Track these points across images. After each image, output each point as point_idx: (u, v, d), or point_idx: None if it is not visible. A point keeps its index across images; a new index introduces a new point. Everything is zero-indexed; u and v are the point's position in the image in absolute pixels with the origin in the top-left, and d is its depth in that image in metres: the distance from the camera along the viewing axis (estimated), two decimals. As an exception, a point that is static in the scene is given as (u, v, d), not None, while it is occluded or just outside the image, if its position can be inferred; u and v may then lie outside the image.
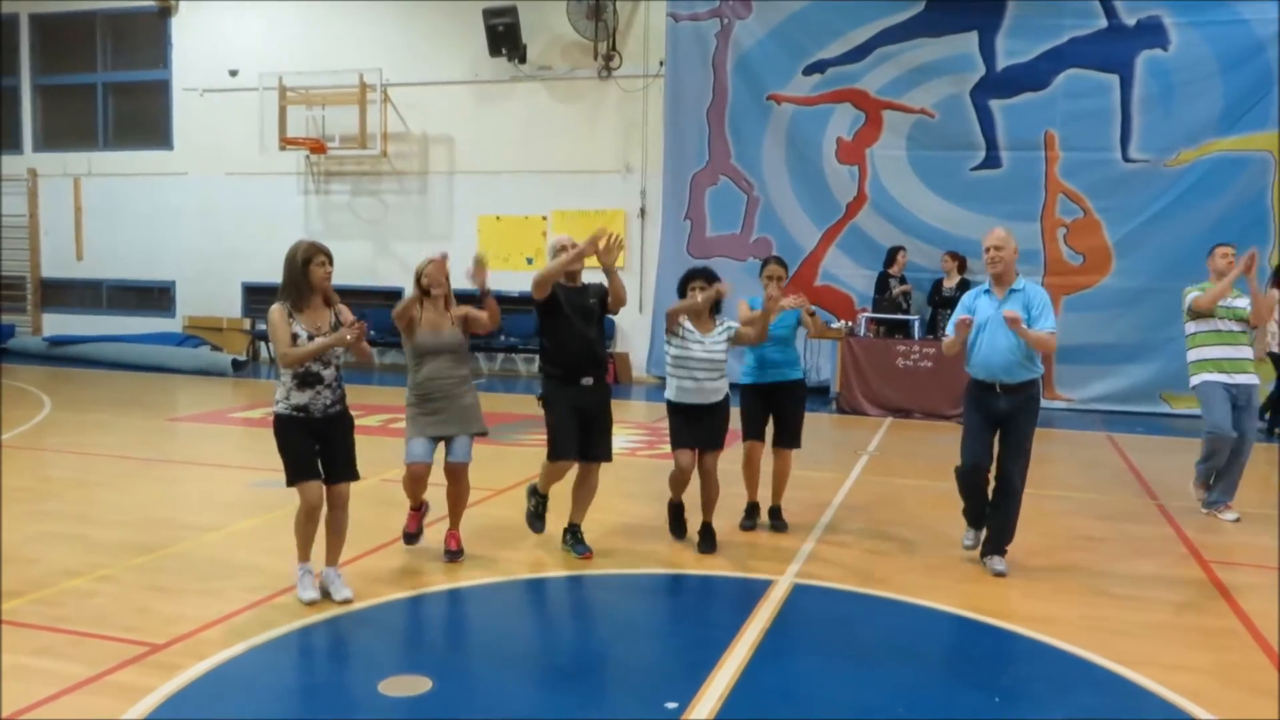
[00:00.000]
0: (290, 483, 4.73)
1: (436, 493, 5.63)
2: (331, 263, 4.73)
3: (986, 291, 5.51)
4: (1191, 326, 6.90)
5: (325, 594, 4.75)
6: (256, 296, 16.00)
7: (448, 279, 5.35)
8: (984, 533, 5.56)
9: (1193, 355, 6.93)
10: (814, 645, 4.39)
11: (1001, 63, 12.32)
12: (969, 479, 5.46)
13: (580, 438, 5.51)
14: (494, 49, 13.94)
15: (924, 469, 8.38)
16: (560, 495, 5.77)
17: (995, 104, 12.39)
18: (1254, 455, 7.85)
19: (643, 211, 14.08)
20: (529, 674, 4.05)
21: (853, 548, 5.94)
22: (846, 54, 12.82)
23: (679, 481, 5.90)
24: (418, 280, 5.32)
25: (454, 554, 5.54)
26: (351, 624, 4.49)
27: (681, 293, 5.94)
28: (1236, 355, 6.77)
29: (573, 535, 5.73)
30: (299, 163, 15.48)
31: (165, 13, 16.01)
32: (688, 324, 5.80)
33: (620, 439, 8.59)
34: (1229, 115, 11.65)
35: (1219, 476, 6.91)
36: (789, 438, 6.32)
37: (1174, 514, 6.91)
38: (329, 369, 4.72)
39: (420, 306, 5.30)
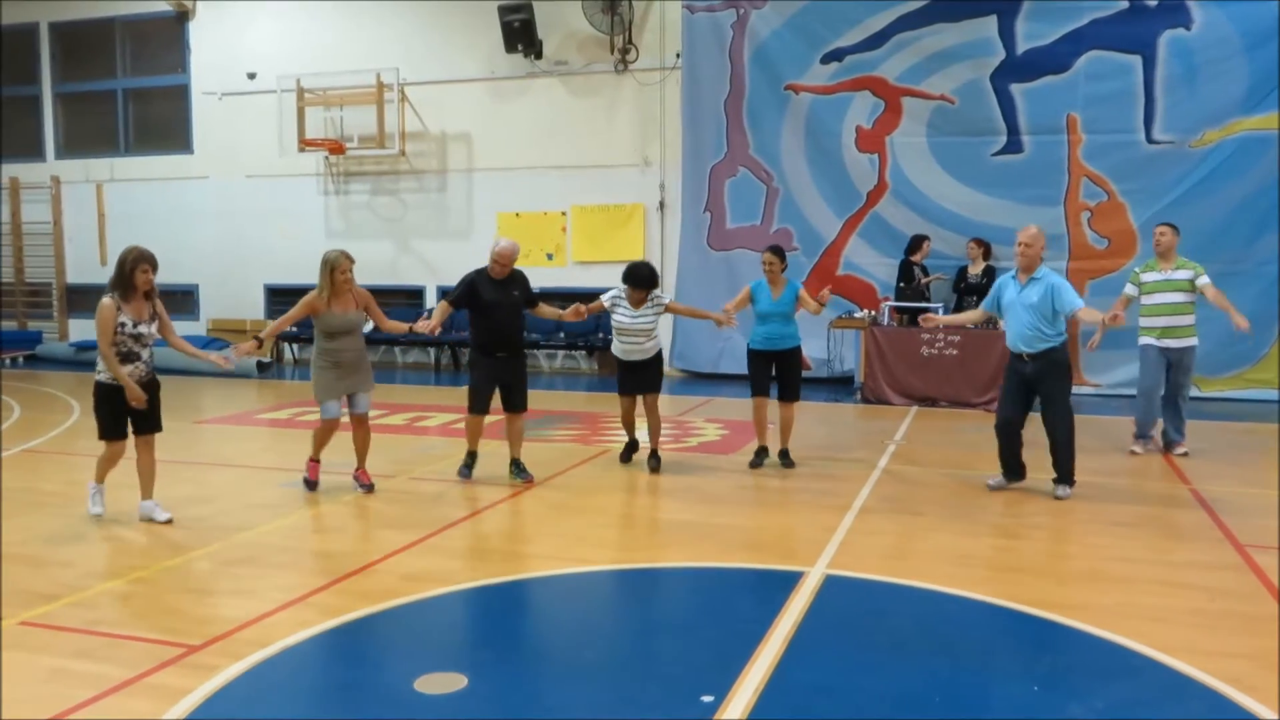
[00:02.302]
0: (102, 437, 6.02)
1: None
2: (155, 270, 6.04)
3: (1013, 279, 6.84)
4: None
5: (149, 520, 6.08)
6: (279, 298, 16.08)
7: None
8: (1016, 481, 6.99)
9: (1141, 323, 8.36)
10: (848, 637, 4.36)
11: (1021, 46, 12.21)
12: (1003, 432, 6.82)
13: (502, 396, 7.16)
14: (510, 45, 13.94)
15: (952, 457, 8.33)
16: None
17: (1016, 88, 12.28)
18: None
19: (662, 204, 14.05)
20: (563, 669, 4.05)
21: (884, 538, 5.90)
22: (864, 41, 12.74)
23: (627, 421, 7.72)
24: (330, 271, 6.64)
25: (368, 487, 6.88)
26: (386, 622, 4.50)
27: (628, 283, 7.37)
28: (1175, 323, 8.16)
29: (516, 466, 7.30)
30: (318, 164, 15.55)
31: (183, 17, 16.11)
32: (623, 303, 7.41)
33: (643, 433, 8.58)
34: (1254, 94, 11.50)
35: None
36: (791, 393, 7.85)
37: (1208, 499, 6.83)
38: (146, 350, 6.06)
39: (330, 296, 6.69)
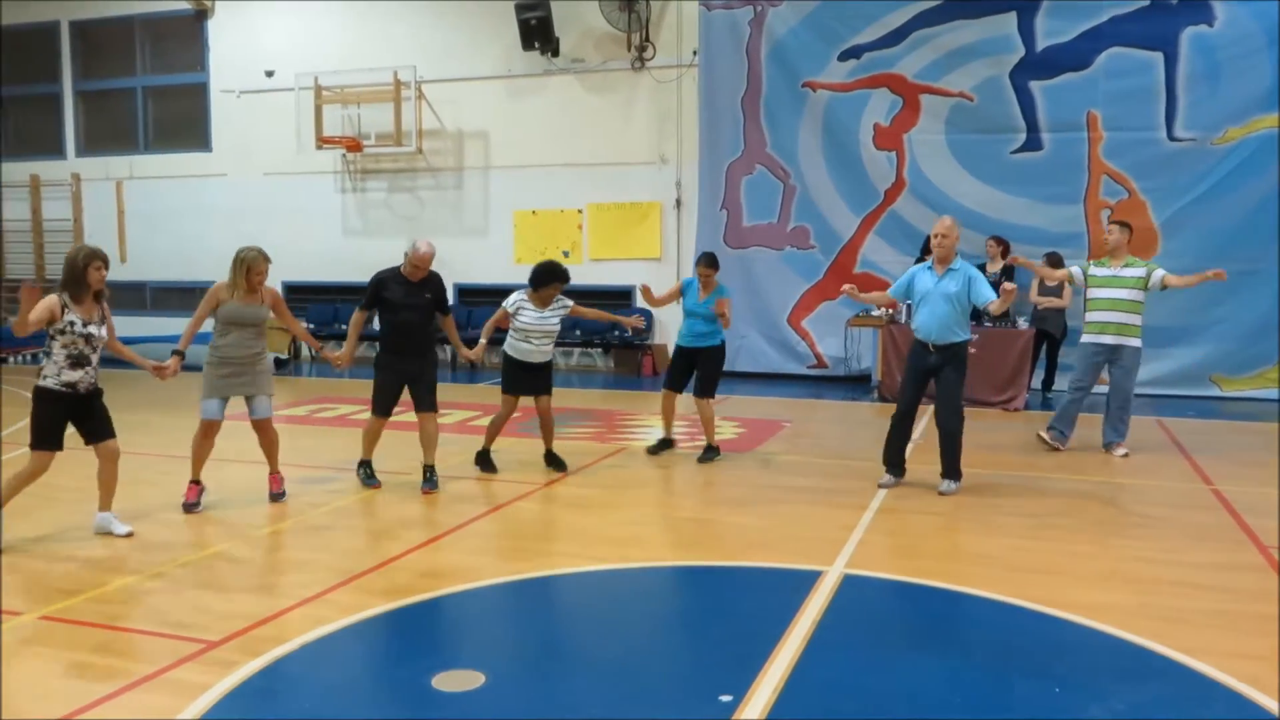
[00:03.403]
0: (35, 447, 5.53)
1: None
2: (107, 266, 5.76)
3: (928, 269, 6.90)
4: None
5: (106, 533, 5.74)
6: (296, 295, 16.14)
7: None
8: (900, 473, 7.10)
9: (1086, 318, 8.35)
10: (867, 636, 4.34)
11: (1041, 43, 12.13)
12: (902, 423, 6.90)
13: (412, 396, 6.92)
14: (527, 43, 13.94)
15: (969, 456, 8.25)
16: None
17: (1035, 85, 12.20)
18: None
19: (678, 202, 14.03)
20: (581, 667, 4.04)
21: (902, 537, 5.88)
22: (882, 39, 12.68)
23: (501, 424, 7.55)
24: (246, 271, 6.24)
25: (278, 495, 6.59)
26: (403, 619, 4.51)
27: (543, 284, 7.28)
28: (1121, 320, 8.07)
29: (427, 472, 6.99)
30: (335, 161, 15.60)
31: (201, 16, 16.19)
32: (528, 305, 7.35)
33: (661, 431, 8.57)
34: (1278, 91, 11.38)
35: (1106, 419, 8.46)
36: (707, 389, 7.94)
37: (1229, 498, 6.77)
38: (95, 354, 5.65)
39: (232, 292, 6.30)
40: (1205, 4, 11.56)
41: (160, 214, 16.70)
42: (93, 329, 5.59)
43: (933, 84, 12.59)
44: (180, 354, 6.33)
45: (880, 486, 6.96)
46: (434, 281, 6.98)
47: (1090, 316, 8.29)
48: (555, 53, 14.15)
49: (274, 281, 16.61)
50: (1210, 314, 11.56)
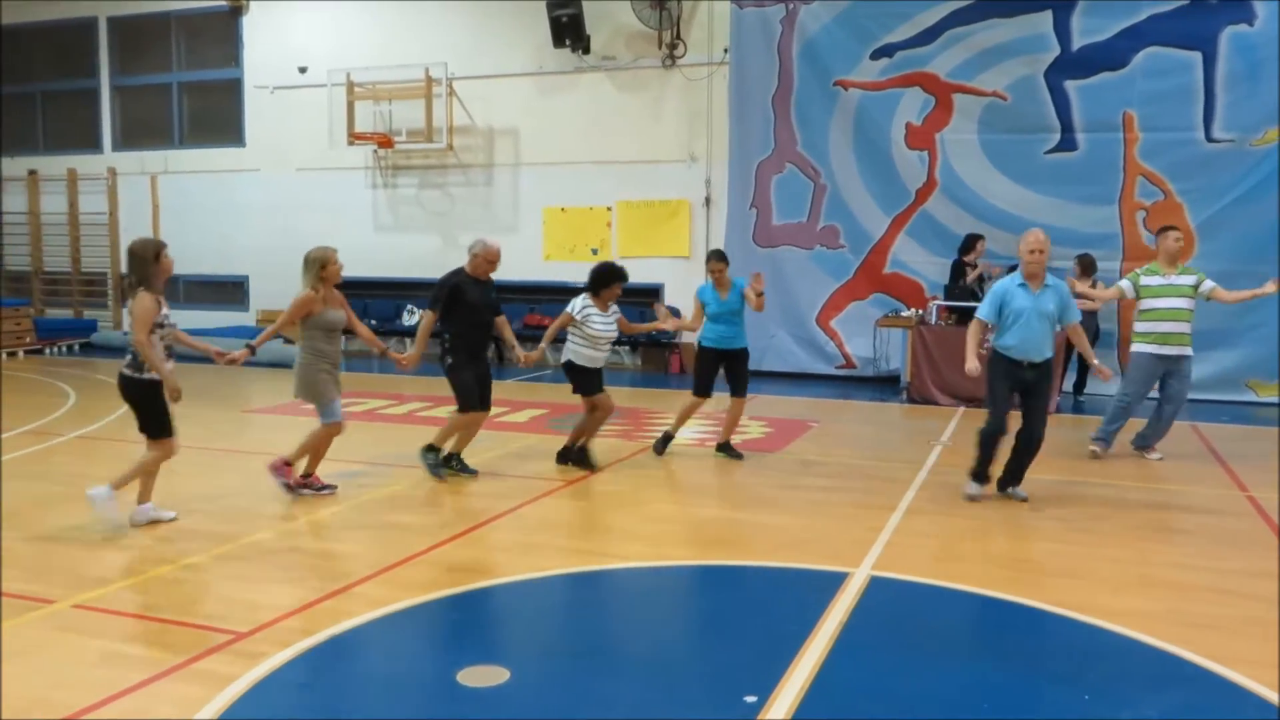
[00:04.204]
0: (162, 437, 5.77)
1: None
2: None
3: (1021, 285, 6.52)
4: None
5: (156, 521, 5.85)
6: (327, 290, 16.27)
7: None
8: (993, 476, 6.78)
9: (1136, 328, 8.06)
10: (893, 639, 4.31)
11: (1077, 42, 11.98)
12: (998, 439, 6.60)
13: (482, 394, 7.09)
14: (558, 40, 13.96)
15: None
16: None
17: (1070, 85, 12.06)
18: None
19: (708, 201, 14.00)
20: (605, 664, 4.05)
21: (930, 540, 5.83)
22: (915, 37, 12.58)
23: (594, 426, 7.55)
24: (321, 266, 6.39)
25: (331, 488, 6.68)
26: (429, 614, 4.53)
27: (605, 285, 7.36)
28: (1177, 330, 7.81)
29: (459, 460, 7.21)
30: (367, 157, 15.70)
31: (237, 12, 16.32)
32: (595, 311, 7.34)
33: (688, 430, 8.58)
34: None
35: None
36: (744, 388, 7.91)
37: (1264, 505, 6.67)
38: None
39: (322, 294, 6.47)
40: (1246, 2, 11.37)
41: (194, 208, 16.86)
42: (173, 319, 5.85)
43: (966, 83, 12.47)
44: (252, 349, 6.49)
45: (968, 496, 6.70)
46: (491, 281, 7.17)
47: (1147, 326, 7.96)
48: (586, 50, 14.15)
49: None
50: (1246, 319, 11.36)
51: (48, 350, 15.81)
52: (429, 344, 7.18)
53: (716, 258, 7.83)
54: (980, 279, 11.97)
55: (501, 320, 7.28)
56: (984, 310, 6.62)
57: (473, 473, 7.18)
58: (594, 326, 7.29)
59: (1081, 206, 12.12)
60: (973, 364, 6.57)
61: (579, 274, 14.29)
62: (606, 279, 7.33)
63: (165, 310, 5.66)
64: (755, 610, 4.77)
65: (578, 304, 7.34)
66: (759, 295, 7.65)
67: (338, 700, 3.69)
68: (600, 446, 8.31)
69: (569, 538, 5.93)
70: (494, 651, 4.13)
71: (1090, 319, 11.51)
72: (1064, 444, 9.08)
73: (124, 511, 5.79)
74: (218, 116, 16.90)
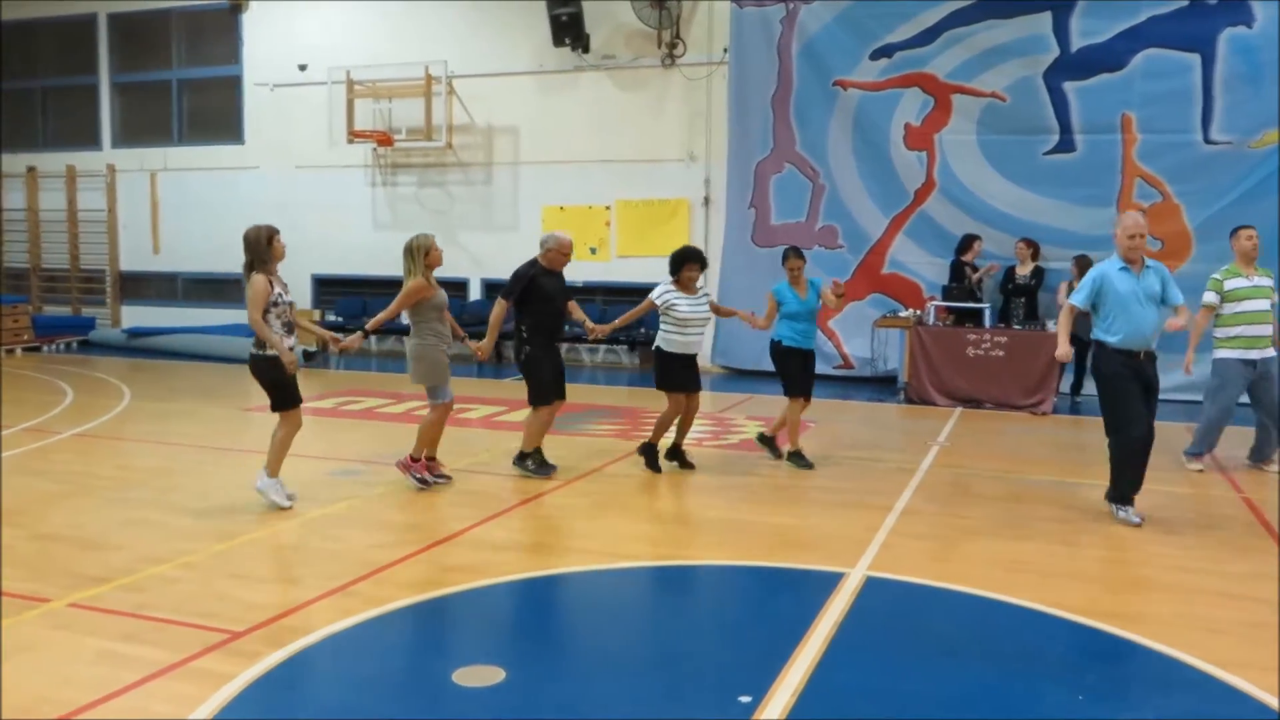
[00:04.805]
0: (288, 408, 6.15)
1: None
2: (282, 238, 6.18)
3: (1123, 269, 6.05)
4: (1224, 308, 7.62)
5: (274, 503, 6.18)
6: (326, 288, 16.27)
7: None
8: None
9: (1219, 333, 7.67)
10: (889, 640, 4.31)
11: (1076, 43, 11.98)
12: (1146, 447, 5.99)
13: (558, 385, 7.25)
14: (558, 39, 13.95)
15: (998, 460, 8.21)
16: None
17: (1069, 86, 12.05)
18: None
19: (707, 200, 14.00)
20: (601, 664, 4.05)
21: (926, 540, 5.83)
22: (915, 37, 12.58)
23: (671, 420, 7.45)
24: (425, 253, 6.62)
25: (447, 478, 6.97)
26: (426, 613, 4.53)
27: (680, 267, 7.33)
28: (1262, 333, 7.47)
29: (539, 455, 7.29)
30: (366, 155, 15.69)
31: (236, 9, 16.31)
32: (678, 295, 7.30)
33: (692, 431, 8.56)
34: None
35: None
36: (809, 390, 7.88)
37: (1263, 509, 6.67)
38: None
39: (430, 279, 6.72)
40: (1245, 4, 11.38)
41: (193, 206, 16.86)
42: (290, 298, 6.18)
43: (965, 84, 12.47)
44: (366, 333, 6.87)
45: (1134, 523, 6.08)
46: (562, 273, 7.37)
47: (1232, 331, 7.58)
48: (586, 49, 14.15)
49: (303, 274, 16.83)
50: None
51: (45, 348, 15.80)
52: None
53: (795, 254, 7.76)
54: (979, 282, 11.99)
55: (572, 304, 7.47)
56: (1077, 296, 6.20)
57: (552, 468, 7.29)
58: (680, 310, 7.27)
59: (1080, 208, 12.12)
60: (1065, 350, 6.29)
61: (577, 273, 14.34)
62: (680, 261, 7.35)
63: (278, 290, 6.03)
64: (751, 610, 4.77)
65: (658, 290, 7.39)
66: (839, 297, 7.79)
67: (332, 700, 3.69)
68: (598, 446, 8.32)
69: (564, 537, 5.93)
70: (490, 651, 4.13)
71: (1086, 320, 11.49)
72: (1060, 443, 9.10)
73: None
74: (217, 114, 16.89)
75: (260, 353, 6.05)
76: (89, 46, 17.49)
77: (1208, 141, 11.65)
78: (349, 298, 15.89)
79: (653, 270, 13.81)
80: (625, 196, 14.38)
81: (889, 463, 7.91)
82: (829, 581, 4.99)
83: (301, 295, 16.34)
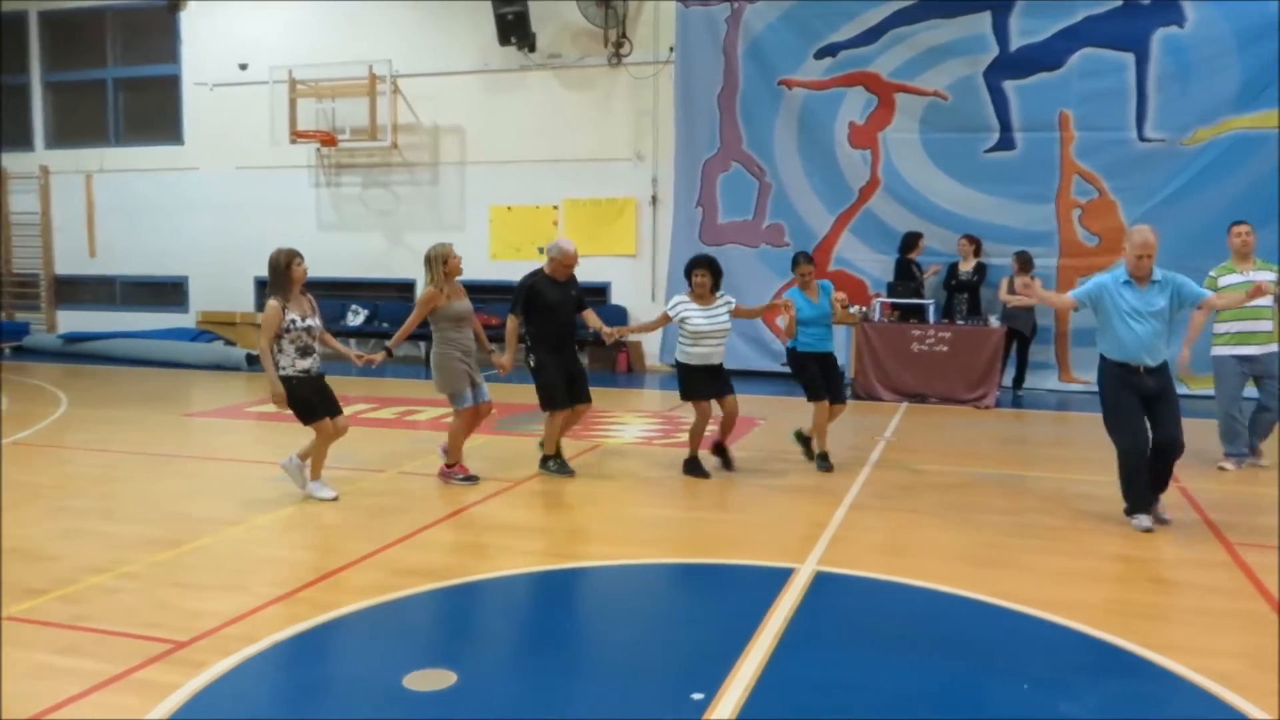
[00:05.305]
0: (308, 422, 6.40)
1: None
2: (305, 262, 6.43)
3: (1127, 283, 5.99)
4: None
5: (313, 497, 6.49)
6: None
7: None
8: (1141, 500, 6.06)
9: (1215, 329, 7.65)
10: (839, 633, 4.36)
11: (1015, 43, 12.20)
12: (1139, 459, 5.93)
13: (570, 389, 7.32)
14: (504, 38, 13.89)
15: (943, 454, 8.34)
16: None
17: (1009, 85, 12.27)
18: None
19: (654, 199, 14.03)
20: (553, 665, 4.04)
21: (875, 534, 5.90)
22: (858, 36, 12.71)
23: (703, 429, 7.34)
24: (443, 262, 6.76)
25: (473, 478, 7.06)
26: (376, 618, 4.48)
27: (687, 277, 7.27)
28: (1256, 329, 7.45)
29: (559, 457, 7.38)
30: (309, 156, 15.48)
31: (174, 7, 16.00)
32: (691, 306, 7.17)
33: (635, 428, 8.59)
34: (1246, 92, 11.49)
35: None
36: (843, 393, 7.87)
37: (1195, 496, 6.85)
38: (316, 342, 6.42)
39: (445, 289, 6.83)
40: (1176, 5, 11.66)
41: (131, 208, 16.51)
42: (311, 322, 6.33)
43: (908, 82, 12.63)
44: (389, 351, 6.99)
45: (1143, 529, 5.95)
46: (574, 279, 7.38)
47: (1224, 327, 7.62)
48: (532, 48, 14.10)
49: (246, 277, 16.59)
50: (1178, 313, 11.62)
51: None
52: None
53: (805, 260, 7.64)
54: (924, 279, 12.16)
55: (587, 313, 7.44)
56: (1079, 290, 6.25)
57: (570, 472, 7.33)
58: (692, 324, 7.14)
59: (1020, 204, 12.34)
60: (1045, 294, 6.37)
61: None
62: (687, 271, 7.29)
63: (293, 316, 6.23)
64: (702, 607, 4.80)
65: (672, 302, 7.31)
66: (845, 308, 7.75)
67: (282, 708, 3.64)
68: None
69: (516, 539, 5.91)
70: (441, 655, 4.10)
71: (1027, 314, 11.74)
72: (1005, 437, 9.27)
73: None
74: (155, 114, 16.55)
75: (282, 373, 6.27)
76: (19, 45, 17.04)
77: (1142, 139, 11.93)
78: (293, 300, 15.65)
79: (602, 269, 13.87)
80: (573, 196, 14.36)
81: (837, 458, 7.98)
82: (779, 577, 5.02)
83: (245, 297, 16.10)
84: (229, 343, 15.49)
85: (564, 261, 7.23)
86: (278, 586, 4.81)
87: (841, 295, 7.78)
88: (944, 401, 11.06)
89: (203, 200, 16.07)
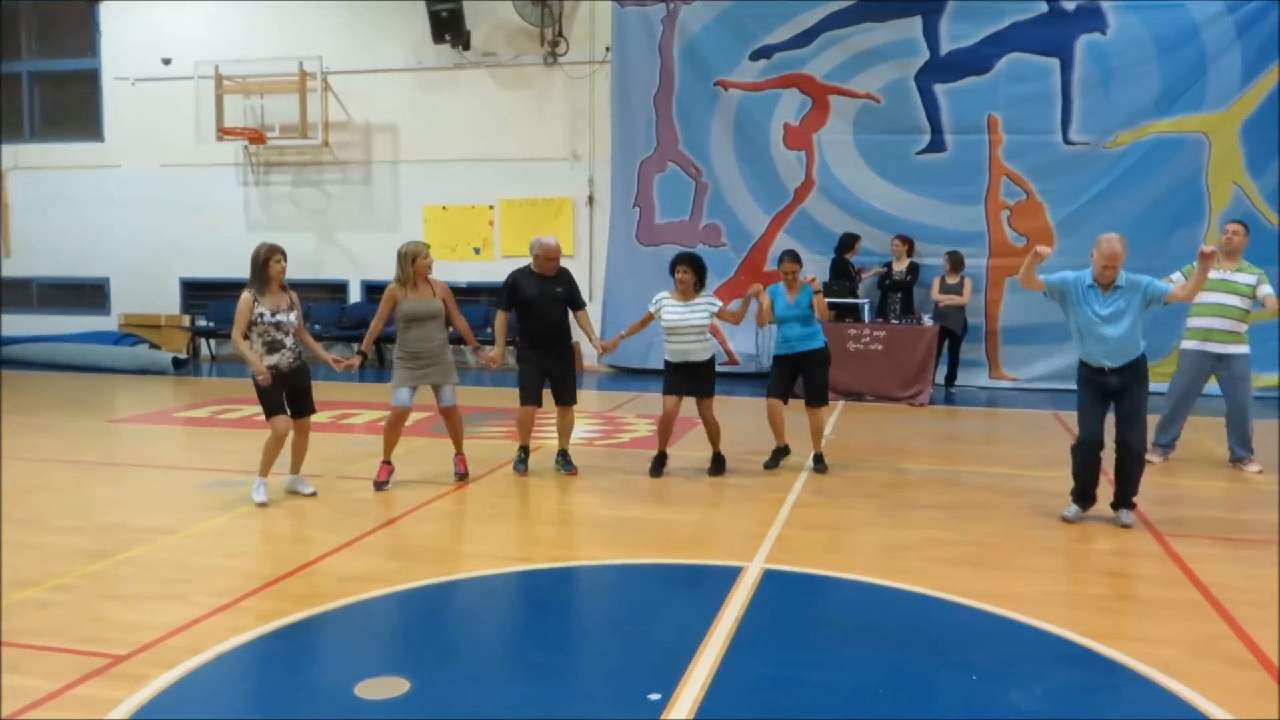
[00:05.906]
0: (267, 417, 6.40)
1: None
2: (285, 259, 6.42)
3: (1091, 287, 6.01)
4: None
5: (294, 492, 6.65)
6: (196, 292, 15.64)
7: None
8: (1090, 498, 6.23)
9: (1187, 323, 7.68)
10: (790, 630, 4.39)
11: (945, 47, 12.43)
12: (1089, 451, 6.09)
13: (552, 389, 7.35)
14: (437, 36, 13.74)
15: (881, 450, 8.47)
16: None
17: (940, 88, 12.50)
18: (1195, 425, 8.13)
19: (591, 199, 14.00)
20: (508, 670, 4.00)
21: (819, 531, 5.97)
22: (793, 39, 12.84)
23: (668, 426, 7.34)
24: (412, 260, 6.74)
25: (462, 476, 7.14)
26: (323, 625, 4.40)
27: (671, 274, 7.26)
28: (1225, 327, 7.44)
29: (562, 457, 7.46)
30: (237, 153, 15.13)
31: (93, -1, 15.51)
32: (670, 302, 7.20)
33: (577, 430, 8.55)
34: (1165, 97, 11.89)
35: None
36: (817, 397, 7.62)
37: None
38: (289, 338, 6.41)
39: (410, 287, 6.82)
40: (1099, 12, 12.00)
41: (48, 207, 15.95)
42: (281, 317, 6.34)
43: (841, 85, 12.79)
44: (364, 355, 7.05)
45: (1065, 519, 6.18)
46: (564, 276, 7.33)
47: (1193, 322, 7.62)
48: (466, 46, 13.97)
49: (171, 278, 16.13)
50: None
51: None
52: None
53: (790, 258, 7.61)
54: (861, 279, 12.32)
55: (582, 315, 7.46)
56: (1050, 277, 6.16)
57: (572, 469, 7.39)
58: (664, 318, 7.17)
59: (951, 206, 12.58)
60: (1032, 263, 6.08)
61: (461, 273, 14.15)
62: (671, 268, 7.26)
63: (262, 309, 6.27)
64: (654, 608, 4.79)
65: (655, 297, 7.30)
66: (817, 294, 7.55)
67: (229, 721, 3.55)
68: (489, 448, 8.23)
69: (462, 542, 5.85)
70: (392, 662, 4.03)
71: (958, 313, 11.99)
72: (940, 434, 9.44)
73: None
74: (74, 109, 16.01)
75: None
76: (-72, 36, 16.35)
77: (1067, 142, 12.25)
78: (222, 301, 15.26)
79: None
80: (509, 196, 14.26)
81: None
82: (728, 576, 5.05)
83: (170, 299, 15.68)
84: (154, 346, 15.07)
85: (546, 256, 7.20)
86: (218, 596, 4.68)
87: (818, 292, 7.55)
88: (879, 399, 11.22)
89: (125, 199, 15.60)
